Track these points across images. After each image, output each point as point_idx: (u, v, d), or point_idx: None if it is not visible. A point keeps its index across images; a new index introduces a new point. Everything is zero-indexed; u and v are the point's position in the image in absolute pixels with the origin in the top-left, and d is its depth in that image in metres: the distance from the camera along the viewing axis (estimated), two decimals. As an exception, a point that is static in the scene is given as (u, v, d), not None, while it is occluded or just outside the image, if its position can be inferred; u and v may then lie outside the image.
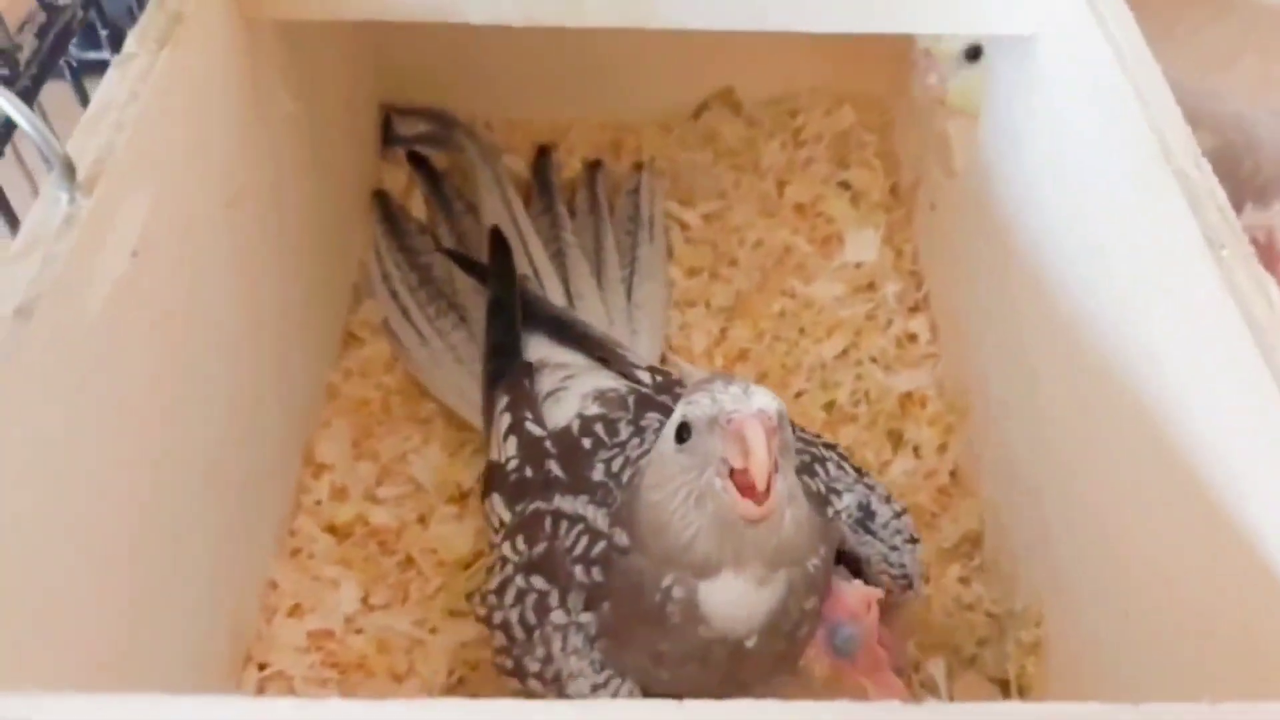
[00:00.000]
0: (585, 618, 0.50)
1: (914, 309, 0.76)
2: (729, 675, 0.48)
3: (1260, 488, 0.39)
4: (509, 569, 0.53)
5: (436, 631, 0.60)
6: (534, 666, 0.50)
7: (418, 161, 0.82)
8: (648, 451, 0.50)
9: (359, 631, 0.59)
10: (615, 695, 0.48)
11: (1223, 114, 0.74)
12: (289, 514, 0.64)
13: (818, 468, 0.53)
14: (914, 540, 0.54)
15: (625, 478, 0.51)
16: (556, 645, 0.50)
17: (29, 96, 0.41)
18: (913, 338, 0.74)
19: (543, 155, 0.83)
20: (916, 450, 0.69)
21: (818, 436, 0.58)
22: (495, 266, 0.70)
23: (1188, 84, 0.75)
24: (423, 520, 0.65)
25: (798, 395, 0.71)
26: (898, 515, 0.54)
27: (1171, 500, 0.45)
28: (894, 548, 0.53)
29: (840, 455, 0.56)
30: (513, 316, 0.67)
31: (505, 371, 0.63)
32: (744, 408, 0.43)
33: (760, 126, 0.86)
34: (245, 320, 0.58)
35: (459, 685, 0.58)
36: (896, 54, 0.80)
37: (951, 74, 0.64)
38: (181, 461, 0.51)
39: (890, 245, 0.79)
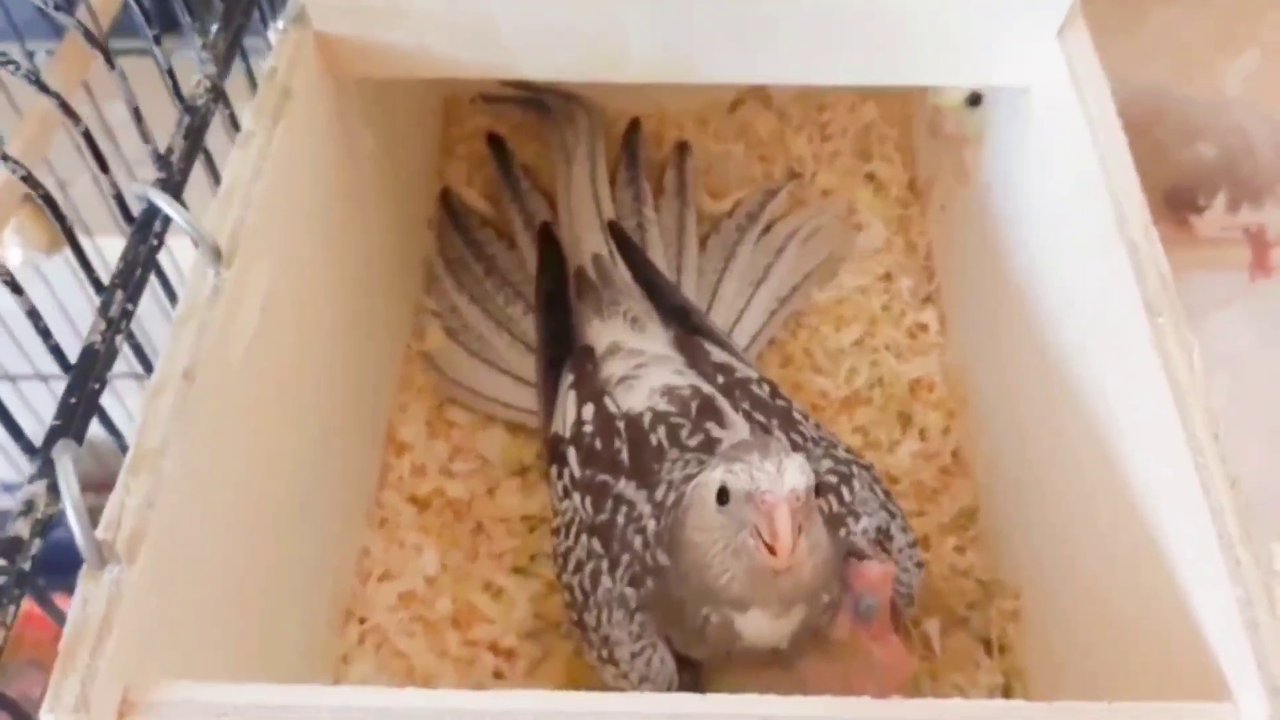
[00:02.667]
0: (628, 591, 0.58)
1: (926, 300, 0.83)
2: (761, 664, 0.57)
3: (1169, 517, 0.48)
4: (575, 526, 0.62)
5: (505, 589, 0.70)
6: (591, 623, 0.60)
7: (493, 142, 0.88)
8: (691, 476, 0.57)
9: (439, 592, 0.70)
10: (649, 663, 0.58)
11: (1224, 125, 0.81)
12: (377, 489, 0.74)
13: (844, 489, 0.60)
14: (919, 565, 0.62)
15: (670, 501, 0.59)
16: (605, 614, 0.59)
17: (179, 191, 0.50)
18: (923, 328, 0.82)
19: (633, 129, 0.87)
20: (923, 433, 0.77)
21: (856, 458, 0.63)
22: (544, 258, 0.78)
23: (1196, 97, 0.82)
24: (490, 492, 0.75)
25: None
26: (912, 545, 0.62)
27: (1111, 512, 0.54)
28: (905, 569, 0.61)
29: (873, 477, 0.63)
30: (566, 307, 0.74)
31: (560, 359, 0.71)
32: (777, 488, 0.50)
33: (789, 121, 0.93)
34: (335, 329, 0.67)
35: (528, 636, 0.69)
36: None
37: (954, 117, 0.71)
38: (298, 461, 0.62)
39: (906, 238, 0.87)
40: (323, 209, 0.63)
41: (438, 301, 0.82)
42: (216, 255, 0.50)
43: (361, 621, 0.69)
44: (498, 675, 0.68)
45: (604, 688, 0.61)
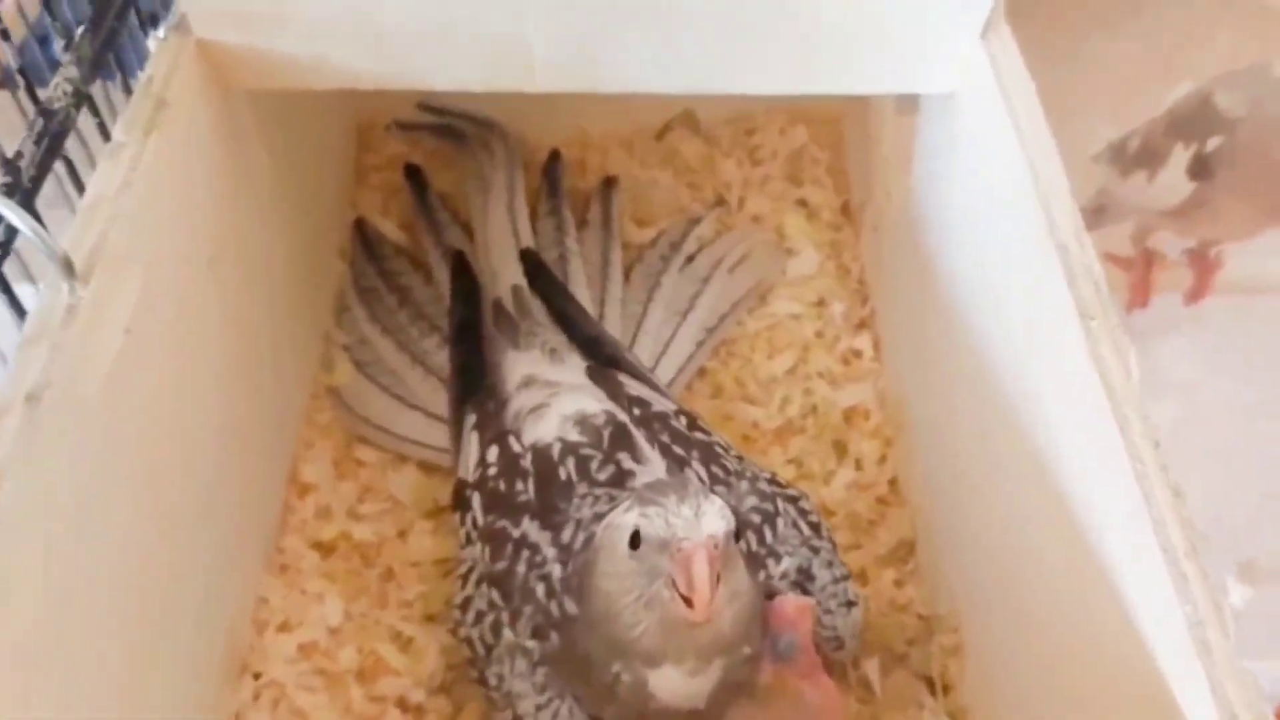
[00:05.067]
0: (530, 643, 0.54)
1: (860, 325, 0.80)
2: None
3: (1112, 534, 0.44)
4: (474, 576, 0.58)
5: (415, 639, 0.66)
6: (493, 680, 0.56)
7: (409, 172, 0.85)
8: (601, 515, 0.54)
9: (343, 643, 0.65)
10: (555, 715, 0.53)
11: (1228, 118, 0.79)
12: (277, 533, 0.69)
13: (766, 529, 0.57)
14: (850, 604, 0.58)
15: (579, 543, 0.55)
16: (507, 666, 0.55)
17: (29, 199, 0.46)
18: (857, 354, 0.79)
19: (554, 159, 0.85)
20: (858, 462, 0.74)
21: (782, 487, 0.61)
22: (459, 288, 0.74)
23: (1209, 93, 0.79)
24: (401, 534, 0.70)
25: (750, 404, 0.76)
26: (837, 580, 0.58)
27: (1051, 532, 0.51)
28: (828, 611, 0.57)
29: (799, 510, 0.60)
30: (478, 337, 0.71)
31: (472, 391, 0.68)
32: (694, 535, 0.47)
33: (718, 145, 0.91)
34: (230, 360, 0.63)
35: (439, 690, 0.64)
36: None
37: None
38: (179, 495, 0.57)
39: (838, 263, 0.84)
40: (207, 228, 0.59)
41: (348, 333, 0.78)
42: (69, 270, 0.45)
43: (257, 676, 0.64)
44: (406, 732, 0.63)
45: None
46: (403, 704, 0.63)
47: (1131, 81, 0.98)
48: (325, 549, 0.69)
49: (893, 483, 0.73)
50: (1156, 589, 0.40)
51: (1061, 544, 0.50)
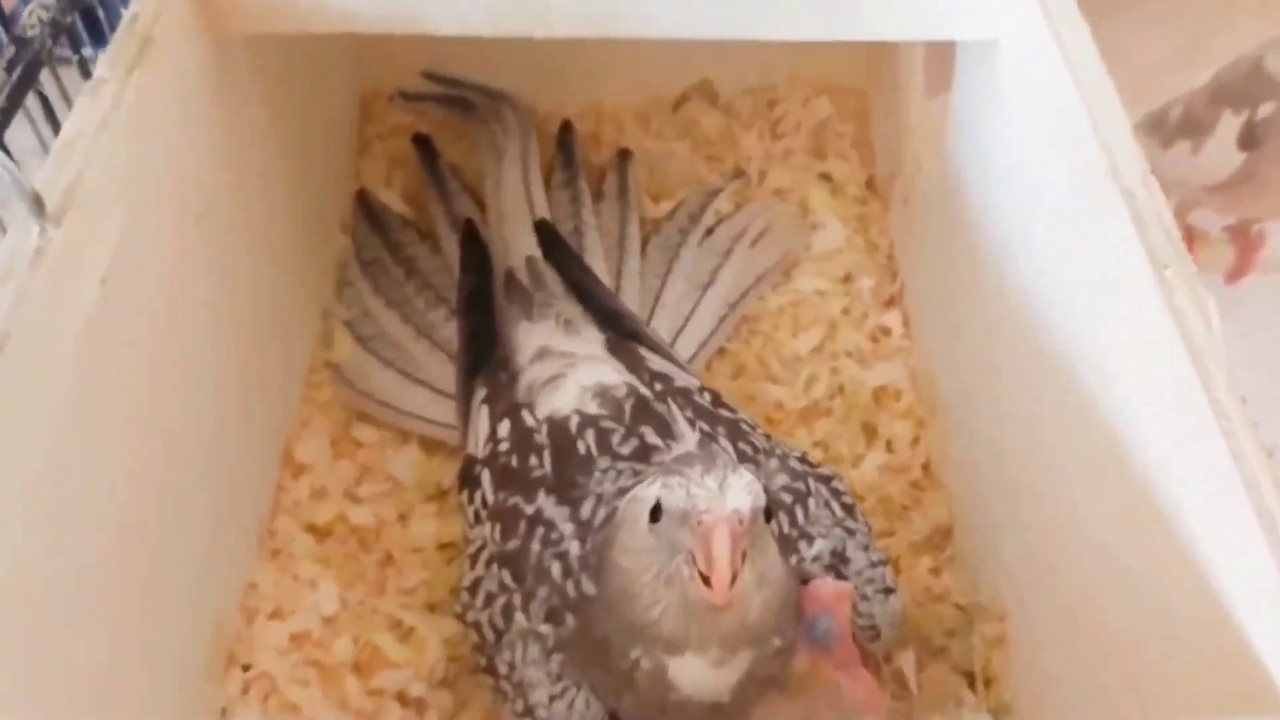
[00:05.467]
0: (544, 628, 0.51)
1: (889, 302, 0.76)
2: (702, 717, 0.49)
3: (1190, 504, 0.40)
4: (484, 556, 0.54)
5: (416, 629, 0.61)
6: (503, 669, 0.52)
7: (418, 141, 0.82)
8: (625, 490, 0.50)
9: (339, 632, 0.61)
10: (571, 705, 0.50)
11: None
12: (269, 515, 0.65)
13: (798, 509, 0.54)
14: (888, 590, 0.54)
15: (599, 518, 0.51)
16: (519, 652, 0.51)
17: (-3, 131, 0.42)
18: (886, 331, 0.75)
19: (566, 130, 0.82)
20: (889, 444, 0.70)
21: (813, 466, 0.57)
22: (468, 257, 0.71)
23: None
24: (402, 518, 0.66)
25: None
26: (874, 565, 0.54)
27: (1116, 511, 0.46)
28: (864, 597, 0.53)
29: (832, 491, 0.56)
30: (490, 307, 0.67)
31: (482, 363, 0.64)
32: (717, 508, 0.43)
33: (738, 117, 0.87)
34: (222, 329, 0.59)
35: (442, 684, 0.60)
36: (873, 45, 0.80)
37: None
38: (163, 472, 0.53)
39: (866, 237, 0.80)
40: (196, 182, 0.55)
41: (349, 308, 0.74)
42: (39, 209, 0.41)
43: (246, 668, 0.59)
44: (406, 728, 0.58)
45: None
46: (402, 698, 0.59)
47: (1166, 52, 0.93)
48: (320, 532, 0.65)
49: (926, 466, 0.69)
50: (1252, 562, 0.36)
51: (1128, 520, 0.45)
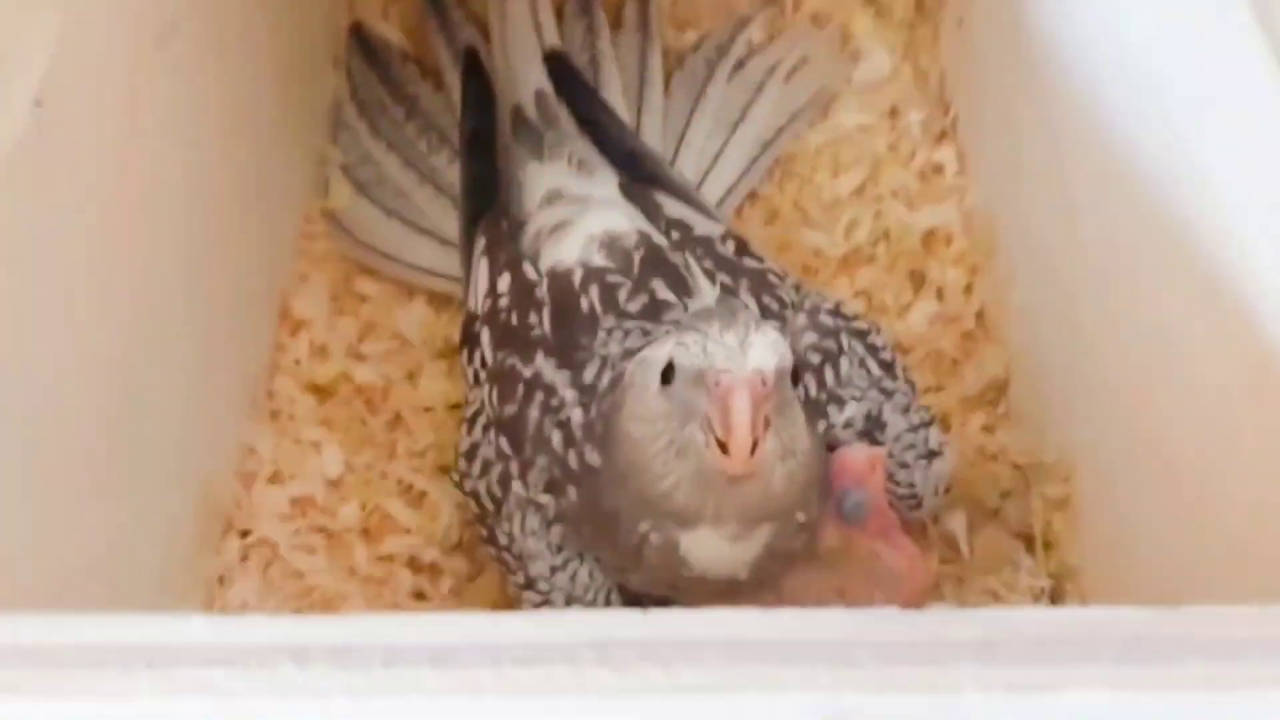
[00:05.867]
0: (544, 498, 0.48)
1: (940, 137, 0.69)
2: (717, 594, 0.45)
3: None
4: (481, 421, 0.51)
5: (428, 493, 0.57)
6: (503, 540, 0.49)
7: None
8: (633, 351, 0.46)
9: (345, 498, 0.57)
10: (574, 578, 0.47)
11: None
12: (266, 375, 0.60)
13: (827, 370, 0.49)
14: (931, 454, 0.50)
15: (604, 383, 0.47)
16: (517, 523, 0.48)
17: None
18: (938, 169, 0.68)
19: None
20: (940, 293, 0.64)
21: (848, 319, 0.52)
22: (470, 93, 0.64)
23: None
24: (410, 376, 0.61)
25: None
26: (914, 429, 0.50)
27: (1224, 358, 0.40)
28: (903, 464, 0.49)
29: (868, 347, 0.51)
30: (493, 149, 0.62)
31: (484, 210, 0.59)
32: (736, 368, 0.40)
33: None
34: (208, 174, 0.54)
35: (456, 549, 0.56)
36: None
37: None
38: (134, 326, 0.48)
39: (915, 65, 0.72)
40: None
41: (346, 151, 0.68)
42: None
43: (244, 534, 0.55)
44: (419, 596, 0.55)
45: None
46: (414, 564, 0.56)
47: None
48: (322, 393, 0.61)
49: (980, 315, 0.63)
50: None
51: (1230, 367, 0.40)
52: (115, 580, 0.46)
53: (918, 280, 0.65)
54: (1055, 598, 0.53)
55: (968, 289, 0.64)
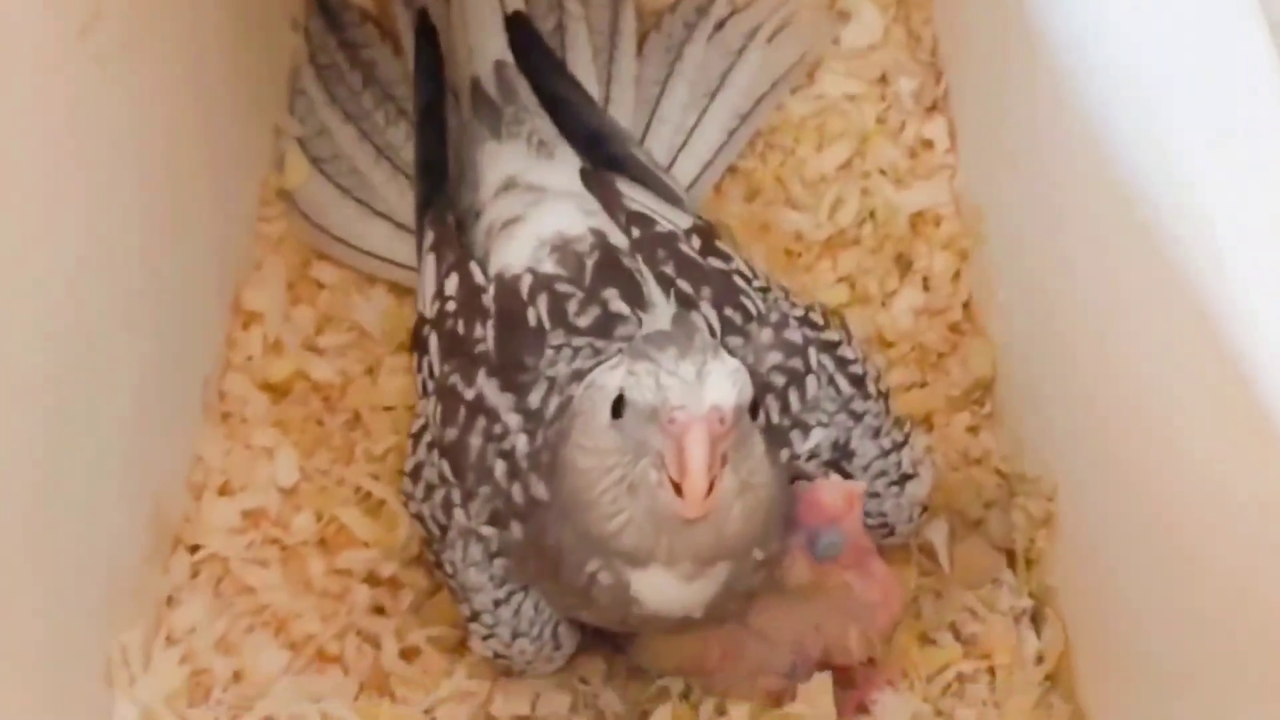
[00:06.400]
0: (486, 530, 0.46)
1: (932, 108, 0.66)
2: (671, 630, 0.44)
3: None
4: (425, 441, 0.49)
5: (386, 501, 0.55)
6: (448, 568, 0.47)
7: None
8: (583, 373, 0.43)
9: (299, 507, 0.54)
10: (518, 612, 0.46)
11: None
12: (216, 373, 0.58)
13: (791, 392, 0.47)
14: (905, 478, 0.48)
15: (551, 409, 0.44)
16: (459, 553, 0.47)
17: None
18: (928, 144, 0.65)
19: None
20: (926, 281, 0.61)
21: (818, 329, 0.50)
22: (423, 61, 0.61)
23: None
24: (370, 372, 0.59)
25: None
26: (884, 453, 0.47)
27: (1193, 383, 0.38)
28: (874, 494, 0.47)
29: (838, 361, 0.48)
30: (444, 125, 0.58)
31: (433, 197, 0.56)
32: (692, 404, 0.37)
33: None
34: (145, 155, 0.51)
35: (415, 562, 0.54)
36: None
37: None
38: (76, 326, 0.46)
39: (908, 28, 0.68)
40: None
41: (303, 121, 0.65)
42: None
43: (194, 550, 0.53)
44: (377, 611, 0.53)
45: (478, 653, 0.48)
46: (373, 578, 0.54)
47: None
48: (277, 391, 0.58)
49: (967, 305, 0.61)
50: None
51: (1207, 394, 0.38)
52: (54, 608, 0.45)
53: (904, 266, 0.62)
54: (1036, 620, 0.52)
55: (956, 277, 0.61)
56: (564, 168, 0.56)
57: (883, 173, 0.64)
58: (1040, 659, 0.51)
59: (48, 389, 0.44)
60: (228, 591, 0.52)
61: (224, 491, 0.54)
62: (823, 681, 0.48)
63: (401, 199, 0.60)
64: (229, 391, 0.57)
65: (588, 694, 0.50)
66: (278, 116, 0.65)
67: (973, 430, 0.57)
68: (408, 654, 0.51)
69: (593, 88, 0.62)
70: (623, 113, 0.62)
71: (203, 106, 0.57)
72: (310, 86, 0.65)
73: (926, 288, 0.61)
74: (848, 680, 0.49)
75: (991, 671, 0.51)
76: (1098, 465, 0.48)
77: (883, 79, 0.66)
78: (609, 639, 0.50)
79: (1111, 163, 0.44)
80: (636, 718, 0.50)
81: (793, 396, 0.47)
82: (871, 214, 0.63)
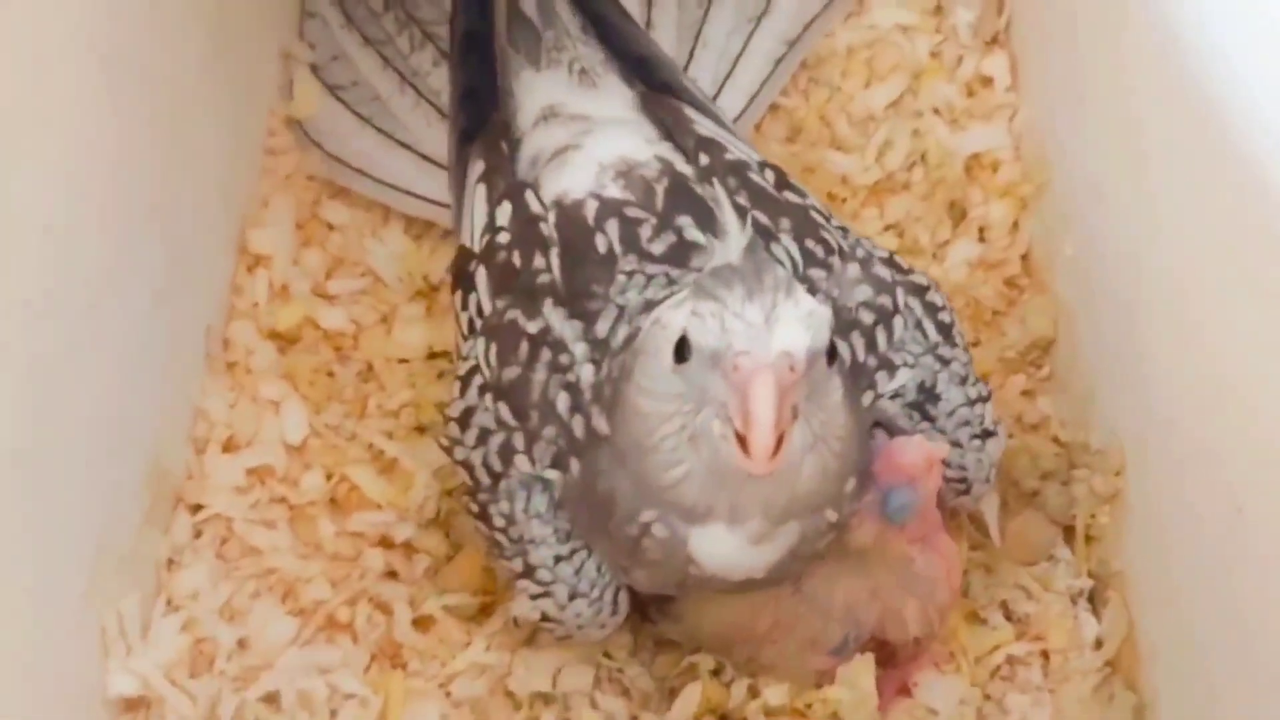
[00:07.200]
0: (551, 474, 0.43)
1: (992, 42, 0.62)
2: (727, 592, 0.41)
3: None
4: (475, 384, 0.46)
5: (400, 459, 0.52)
6: (499, 521, 0.44)
7: None
8: (655, 303, 0.41)
9: (308, 465, 0.52)
10: (579, 570, 0.43)
11: None
12: (220, 320, 0.55)
13: (879, 331, 0.44)
14: (986, 434, 0.44)
15: (619, 338, 0.42)
16: (520, 503, 0.43)
17: None
18: (987, 81, 0.62)
19: None
20: (982, 231, 0.58)
21: (905, 272, 0.46)
22: None
23: None
24: (384, 320, 0.57)
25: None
26: (970, 403, 0.44)
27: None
28: (956, 444, 0.44)
29: (926, 306, 0.45)
30: (490, 53, 0.54)
31: (479, 127, 0.52)
32: (759, 349, 0.35)
33: None
34: (145, 75, 0.48)
35: (431, 524, 0.51)
36: None
37: None
38: (75, 266, 0.43)
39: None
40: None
41: (315, 46, 0.62)
42: None
43: (196, 509, 0.51)
44: (390, 576, 0.50)
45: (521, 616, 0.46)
46: (386, 542, 0.51)
47: None
48: (284, 340, 0.56)
49: (1026, 259, 0.58)
50: None
51: None
52: (43, 571, 0.42)
53: (958, 214, 0.59)
54: (1095, 601, 0.48)
55: (1014, 227, 0.58)
56: (609, 97, 0.52)
57: (936, 112, 0.61)
58: (1099, 644, 0.48)
59: (35, 336, 0.41)
60: (232, 554, 0.50)
61: (228, 447, 0.52)
62: (864, 663, 0.45)
63: (428, 129, 0.58)
64: (233, 340, 0.55)
65: (612, 668, 0.48)
66: (286, 41, 0.61)
67: (1028, 394, 0.54)
68: (422, 623, 0.49)
69: (633, 8, 0.58)
70: (665, 37, 0.59)
71: (204, 30, 0.54)
72: (324, 8, 0.62)
73: (982, 238, 0.58)
74: (890, 659, 0.46)
75: (1045, 655, 0.48)
76: (1171, 440, 0.45)
77: (938, 9, 0.64)
78: (638, 604, 0.47)
79: (1214, 102, 0.40)
80: (664, 695, 0.48)
81: (880, 335, 0.44)
82: (923, 157, 0.60)
